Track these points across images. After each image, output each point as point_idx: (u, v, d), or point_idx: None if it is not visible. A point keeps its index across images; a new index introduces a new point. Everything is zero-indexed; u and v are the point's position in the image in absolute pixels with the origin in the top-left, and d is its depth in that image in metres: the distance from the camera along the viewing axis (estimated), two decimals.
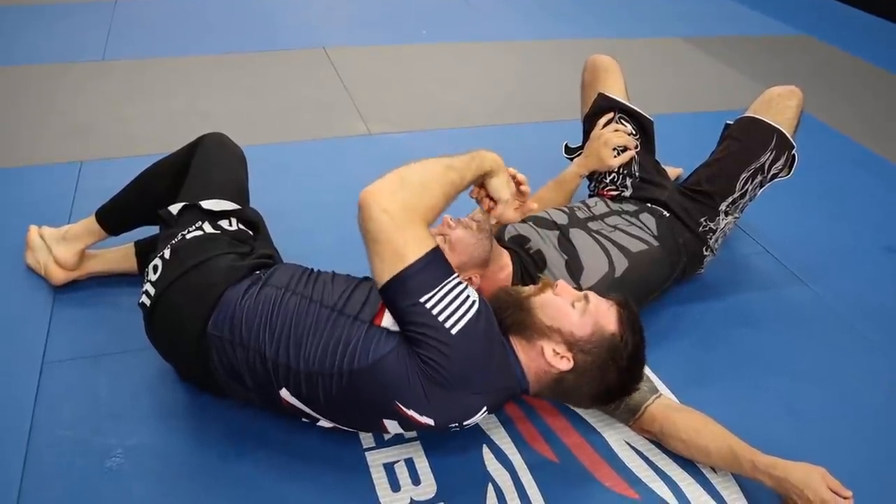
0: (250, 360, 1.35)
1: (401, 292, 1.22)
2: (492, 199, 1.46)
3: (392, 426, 1.34)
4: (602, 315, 1.35)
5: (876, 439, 1.60)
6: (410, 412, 1.27)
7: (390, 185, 1.23)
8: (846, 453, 1.53)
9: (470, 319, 1.24)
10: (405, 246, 1.21)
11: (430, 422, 1.29)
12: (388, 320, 1.31)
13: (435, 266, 1.24)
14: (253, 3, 4.02)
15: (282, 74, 3.18)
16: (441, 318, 1.22)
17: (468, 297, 1.26)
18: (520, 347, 1.34)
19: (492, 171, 1.40)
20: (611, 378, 1.34)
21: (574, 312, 1.35)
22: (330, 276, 1.46)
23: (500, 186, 1.43)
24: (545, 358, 1.32)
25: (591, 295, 1.39)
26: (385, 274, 1.22)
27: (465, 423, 1.33)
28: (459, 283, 1.26)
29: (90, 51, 3.27)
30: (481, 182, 1.43)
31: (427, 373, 1.24)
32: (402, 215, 1.21)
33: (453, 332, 1.22)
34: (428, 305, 1.22)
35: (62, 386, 1.56)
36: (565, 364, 1.32)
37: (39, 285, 1.82)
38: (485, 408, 1.32)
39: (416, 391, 1.25)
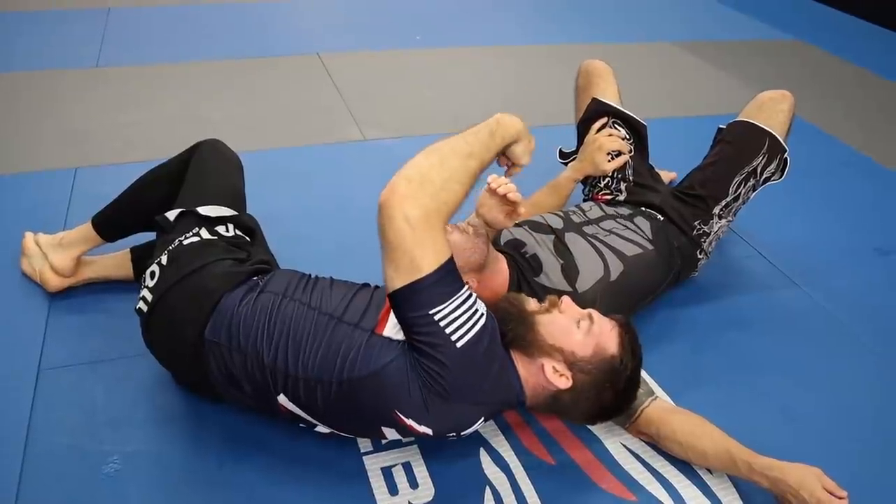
0: (248, 367, 1.35)
1: (411, 302, 1.21)
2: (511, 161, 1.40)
3: (390, 433, 1.34)
4: (604, 336, 1.35)
5: (870, 440, 1.61)
6: (409, 421, 1.28)
7: (411, 188, 1.17)
8: (840, 454, 1.53)
9: (476, 333, 1.24)
10: (422, 257, 1.18)
11: (429, 431, 1.30)
12: (389, 329, 1.31)
13: (448, 279, 1.21)
14: (247, 9, 4.03)
15: (276, 80, 3.18)
16: (448, 331, 1.21)
17: (476, 310, 1.26)
18: (520, 362, 1.34)
19: (514, 140, 1.35)
20: (606, 398, 1.35)
21: (577, 332, 1.34)
22: (328, 282, 1.47)
23: (522, 153, 1.37)
24: (545, 375, 1.32)
25: (595, 314, 1.38)
26: (397, 282, 1.20)
27: (462, 433, 1.34)
28: (469, 295, 1.25)
29: (84, 58, 3.26)
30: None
31: (428, 383, 1.25)
32: (423, 224, 1.17)
33: (458, 345, 1.22)
34: (437, 318, 1.21)
35: (59, 393, 1.55)
36: (564, 382, 1.32)
37: (35, 292, 1.82)
38: (482, 418, 1.33)
39: (415, 401, 1.26)
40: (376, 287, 1.46)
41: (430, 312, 1.20)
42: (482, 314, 1.26)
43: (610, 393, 1.35)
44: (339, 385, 1.29)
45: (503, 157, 1.39)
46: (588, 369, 1.32)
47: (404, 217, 1.16)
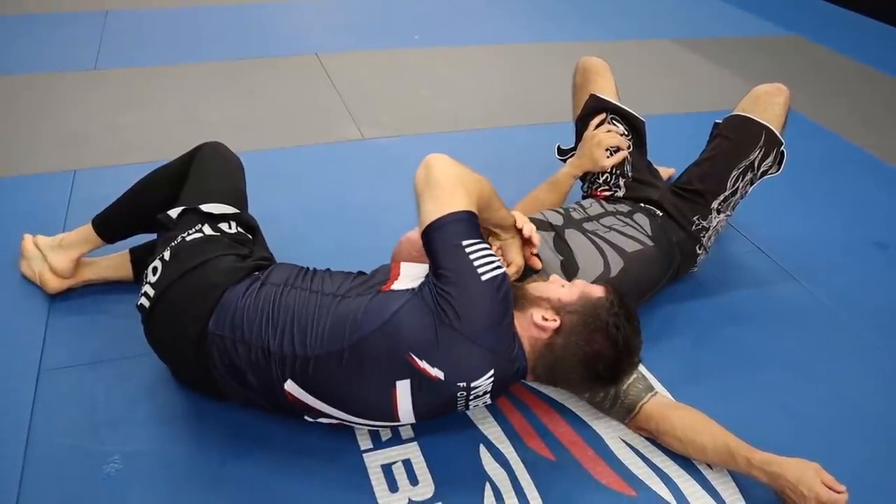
0: (253, 357, 1.36)
1: (447, 231, 1.30)
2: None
3: (402, 398, 1.32)
4: (589, 287, 1.44)
5: (868, 434, 1.61)
6: (423, 364, 1.29)
7: (451, 158, 1.37)
8: (839, 449, 1.54)
9: (497, 275, 1.31)
10: (459, 197, 1.32)
11: (441, 375, 1.30)
12: (397, 284, 1.37)
13: (478, 225, 1.35)
14: (245, 10, 4.03)
15: (275, 81, 3.18)
16: (476, 264, 1.30)
17: (498, 260, 1.34)
18: (516, 319, 1.37)
19: (504, 228, 1.51)
20: (598, 339, 1.36)
21: (562, 288, 1.44)
22: (327, 272, 1.49)
23: (514, 252, 1.52)
24: (535, 322, 1.36)
25: (579, 280, 1.50)
26: (435, 213, 1.31)
27: (472, 385, 1.32)
28: (491, 250, 1.34)
29: (82, 60, 3.26)
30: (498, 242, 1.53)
31: (442, 313, 1.28)
32: (461, 179, 1.35)
33: (483, 278, 1.29)
34: (467, 250, 1.30)
35: (59, 393, 1.56)
36: (553, 325, 1.36)
37: (35, 294, 1.82)
38: (492, 371, 1.32)
39: (428, 336, 1.28)
40: (376, 269, 1.49)
41: (463, 243, 1.30)
42: (501, 265, 1.33)
43: (601, 332, 1.36)
44: (350, 349, 1.31)
45: (495, 242, 1.53)
46: (574, 309, 1.38)
47: (446, 167, 1.34)
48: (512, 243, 1.53)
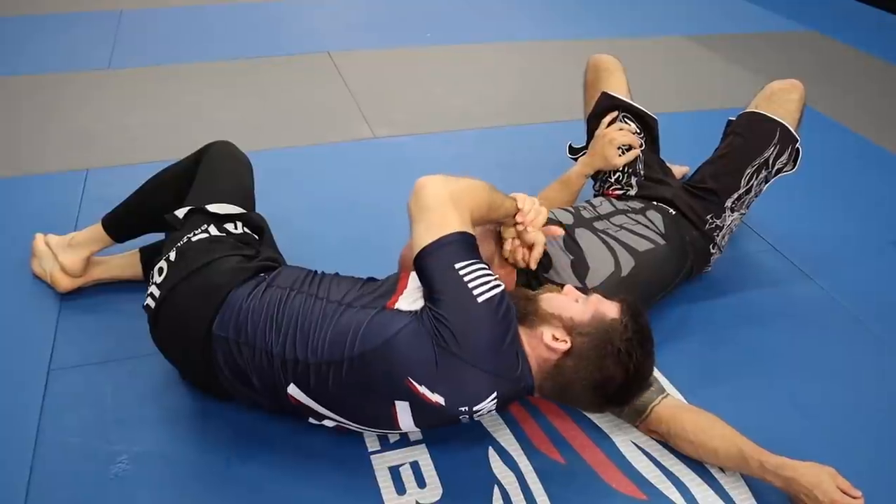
0: (257, 359, 1.36)
1: (438, 256, 1.29)
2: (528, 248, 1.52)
3: (403, 414, 1.32)
4: (604, 304, 1.38)
5: (885, 438, 1.58)
6: (422, 389, 1.27)
7: (443, 177, 1.35)
8: (856, 452, 1.51)
9: (495, 295, 1.28)
10: (451, 218, 1.31)
11: (441, 400, 1.28)
12: (401, 303, 1.35)
13: (471, 244, 1.33)
14: (257, 9, 4.03)
15: (286, 80, 3.19)
16: (470, 286, 1.27)
17: (496, 279, 1.32)
18: (523, 336, 1.35)
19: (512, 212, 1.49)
20: (609, 365, 1.32)
21: (576, 304, 1.38)
22: (334, 276, 1.48)
23: (532, 232, 1.49)
24: (544, 343, 1.33)
25: (595, 294, 1.41)
26: (427, 238, 1.30)
27: (474, 409, 1.31)
28: (489, 269, 1.32)
29: (96, 59, 3.28)
30: (514, 235, 1.52)
31: (440, 338, 1.26)
32: (452, 199, 1.33)
33: (479, 300, 1.27)
34: (461, 273, 1.28)
35: (68, 392, 1.56)
36: (563, 346, 1.33)
37: (45, 293, 1.82)
38: (495, 393, 1.30)
39: (427, 361, 1.26)
40: (385, 278, 1.48)
41: (456, 266, 1.28)
42: (500, 284, 1.31)
43: (613, 358, 1.32)
44: (350, 362, 1.30)
45: (514, 241, 1.52)
46: (586, 331, 1.34)
47: (436, 190, 1.33)
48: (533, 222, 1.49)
